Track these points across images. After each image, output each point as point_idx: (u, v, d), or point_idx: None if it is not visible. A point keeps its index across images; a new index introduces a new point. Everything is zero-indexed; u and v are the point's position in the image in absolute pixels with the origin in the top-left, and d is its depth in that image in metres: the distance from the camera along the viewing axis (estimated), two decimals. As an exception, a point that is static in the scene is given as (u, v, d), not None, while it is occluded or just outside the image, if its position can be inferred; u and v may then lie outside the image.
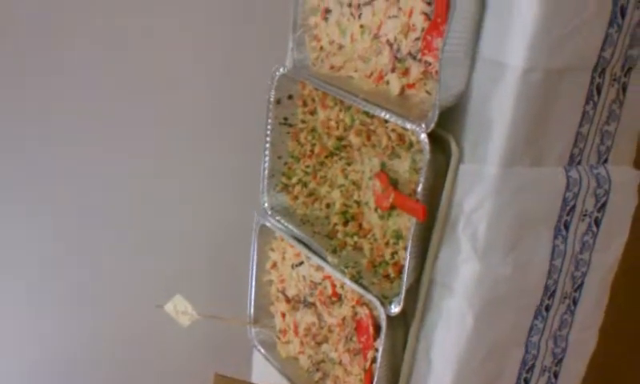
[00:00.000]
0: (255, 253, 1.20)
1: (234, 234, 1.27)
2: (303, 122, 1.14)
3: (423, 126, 0.81)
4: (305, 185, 1.15)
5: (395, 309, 0.89)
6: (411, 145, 0.90)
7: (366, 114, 0.96)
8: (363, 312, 0.98)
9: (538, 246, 0.85)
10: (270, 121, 1.13)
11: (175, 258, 1.43)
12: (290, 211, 1.16)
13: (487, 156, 0.80)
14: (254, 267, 1.21)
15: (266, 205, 1.18)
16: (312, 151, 1.13)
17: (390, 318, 0.91)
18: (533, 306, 0.88)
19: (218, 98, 1.26)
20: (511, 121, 0.77)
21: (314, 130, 1.13)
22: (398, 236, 0.95)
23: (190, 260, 1.43)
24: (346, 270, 0.98)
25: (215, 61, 1.23)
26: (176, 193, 1.33)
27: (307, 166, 1.14)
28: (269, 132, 1.14)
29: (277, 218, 1.16)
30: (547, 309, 0.89)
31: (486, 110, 0.79)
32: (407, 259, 0.86)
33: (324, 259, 1.03)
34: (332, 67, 1.05)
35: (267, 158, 1.16)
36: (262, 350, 1.21)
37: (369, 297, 0.93)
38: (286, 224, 1.13)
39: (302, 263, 1.15)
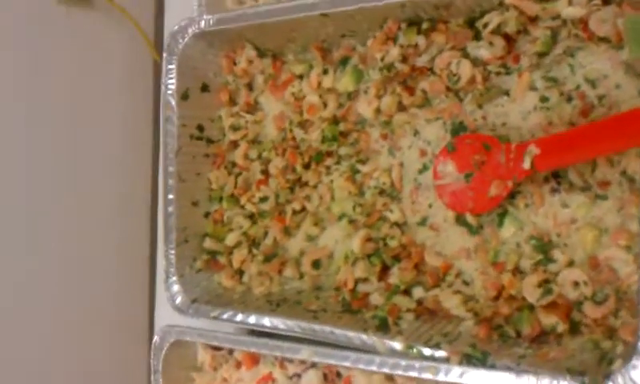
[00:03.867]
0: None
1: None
2: (234, 128, 0.62)
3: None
4: (255, 243, 0.61)
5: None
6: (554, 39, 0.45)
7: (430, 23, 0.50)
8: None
9: None
10: (170, 133, 0.60)
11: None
12: (234, 297, 0.60)
13: None
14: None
15: (179, 300, 0.60)
16: (266, 173, 0.60)
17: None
18: None
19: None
20: None
21: (256, 141, 0.62)
22: (542, 246, 0.46)
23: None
24: (452, 355, 0.45)
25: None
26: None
27: (262, 199, 0.60)
28: (171, 155, 0.60)
29: (212, 313, 0.58)
30: None
31: None
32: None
33: (363, 351, 0.49)
34: None
35: (171, 209, 0.60)
36: None
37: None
38: (235, 317, 0.57)
39: (279, 392, 0.57)
